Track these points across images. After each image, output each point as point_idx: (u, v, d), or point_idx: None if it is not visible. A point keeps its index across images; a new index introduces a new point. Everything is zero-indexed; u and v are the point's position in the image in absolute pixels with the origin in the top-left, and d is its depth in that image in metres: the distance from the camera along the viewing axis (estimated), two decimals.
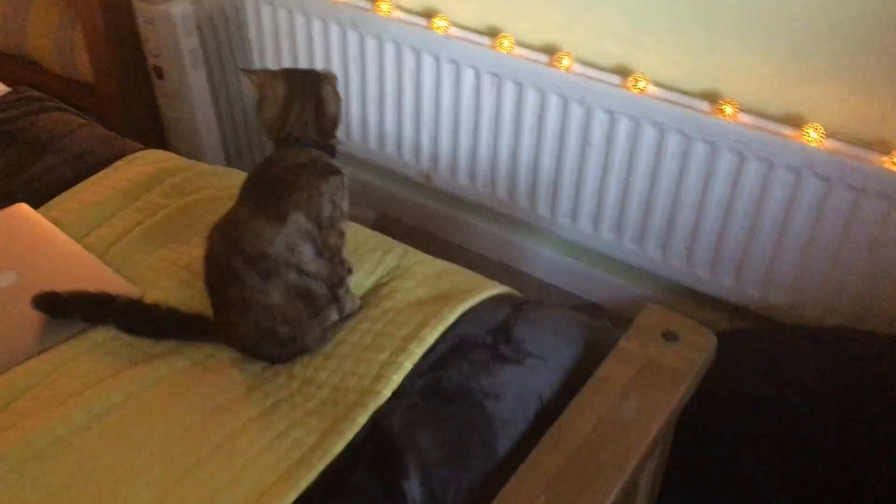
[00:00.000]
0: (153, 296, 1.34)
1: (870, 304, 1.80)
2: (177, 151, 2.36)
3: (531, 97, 2.00)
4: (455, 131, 2.18)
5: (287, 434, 1.11)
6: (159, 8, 2.05)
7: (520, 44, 2.02)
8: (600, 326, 1.36)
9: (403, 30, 2.10)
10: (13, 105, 1.79)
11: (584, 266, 2.27)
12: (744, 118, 1.79)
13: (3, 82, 2.43)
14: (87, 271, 1.37)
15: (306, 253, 1.23)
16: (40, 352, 1.23)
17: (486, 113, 2.10)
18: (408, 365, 1.19)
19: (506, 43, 2.00)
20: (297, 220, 1.23)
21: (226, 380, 1.20)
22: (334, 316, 1.28)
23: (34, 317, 1.26)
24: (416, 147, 2.28)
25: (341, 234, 1.28)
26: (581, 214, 2.09)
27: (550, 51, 1.99)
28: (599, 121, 1.94)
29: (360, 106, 2.31)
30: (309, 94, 1.29)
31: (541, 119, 2.02)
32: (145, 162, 1.63)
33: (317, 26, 2.24)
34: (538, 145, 2.06)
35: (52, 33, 2.33)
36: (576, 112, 1.95)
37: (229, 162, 2.41)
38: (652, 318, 1.28)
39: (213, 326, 1.26)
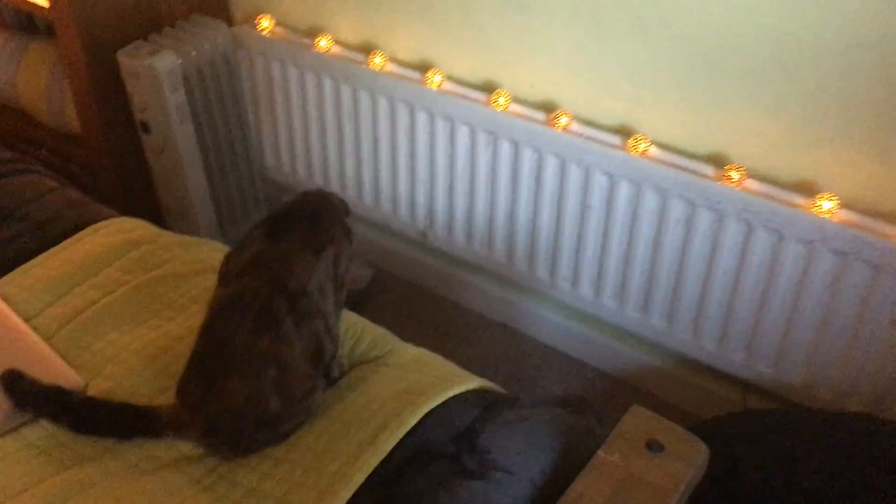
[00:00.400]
0: (98, 386, 1.25)
1: (892, 387, 1.65)
2: (166, 206, 2.29)
3: (528, 157, 1.89)
4: (451, 189, 2.08)
5: None
6: (143, 63, 1.98)
7: (517, 100, 1.92)
8: (582, 428, 1.23)
9: (396, 84, 2.01)
10: None
11: (588, 331, 2.14)
12: (751, 185, 1.66)
13: None
14: (31, 356, 1.28)
15: (328, 301, 1.20)
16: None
17: (481, 171, 2.00)
18: (359, 478, 1.07)
19: (501, 100, 1.89)
20: (328, 258, 1.22)
21: (161, 487, 1.10)
22: (317, 401, 1.19)
23: None
24: (412, 204, 2.18)
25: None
26: (581, 280, 1.97)
27: (548, 108, 1.88)
28: (599, 183, 1.82)
29: (355, 161, 2.22)
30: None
31: (538, 180, 1.91)
32: (109, 232, 1.55)
33: (310, 79, 2.16)
34: (536, 207, 1.95)
35: (42, 85, 2.28)
36: (574, 174, 1.84)
37: (220, 217, 2.33)
38: (636, 425, 1.15)
39: (165, 415, 1.16)
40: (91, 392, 1.24)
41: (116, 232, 1.56)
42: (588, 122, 1.84)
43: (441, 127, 1.99)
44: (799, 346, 1.72)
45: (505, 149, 1.92)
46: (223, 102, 2.21)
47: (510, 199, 1.98)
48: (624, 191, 1.79)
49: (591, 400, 2.00)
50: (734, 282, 1.74)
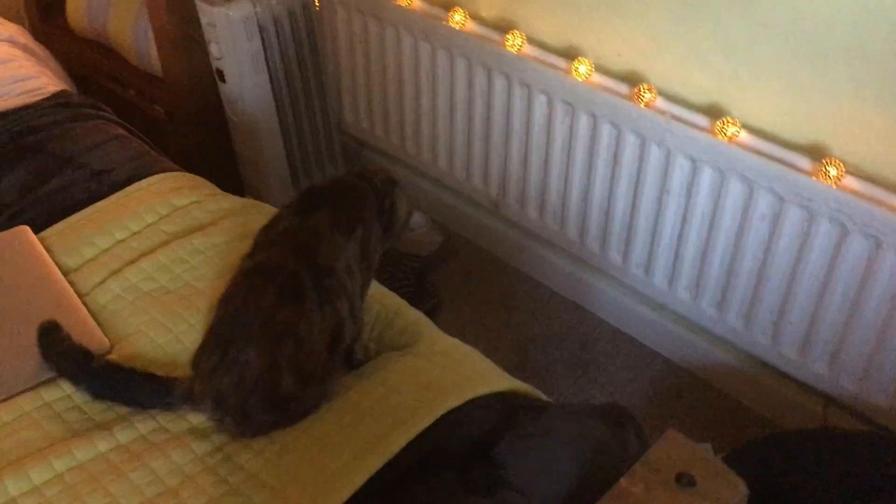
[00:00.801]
0: (122, 350, 1.23)
1: None
2: (240, 155, 2.28)
3: (606, 132, 1.76)
4: (525, 160, 1.96)
5: None
6: (220, 10, 1.94)
7: (600, 69, 1.77)
8: (615, 445, 1.13)
9: (475, 44, 1.90)
10: (49, 111, 1.73)
11: (662, 319, 2.00)
12: (850, 182, 1.48)
13: (84, 68, 2.42)
14: (63, 312, 1.27)
15: (356, 283, 1.18)
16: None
17: (557, 144, 1.87)
18: (359, 480, 1.01)
19: (583, 69, 1.75)
20: (357, 238, 1.19)
21: (165, 464, 1.07)
22: (333, 387, 1.14)
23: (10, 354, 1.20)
24: (485, 172, 2.08)
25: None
26: (655, 267, 1.83)
27: (632, 80, 1.73)
28: (680, 167, 1.67)
29: (431, 122, 2.13)
30: None
31: (615, 158, 1.77)
32: (160, 189, 1.52)
33: (390, 34, 2.07)
34: (612, 186, 1.81)
35: (130, 26, 2.28)
36: (654, 154, 1.69)
37: (293, 169, 2.29)
38: (668, 453, 1.04)
39: (181, 387, 1.12)
40: (115, 355, 1.22)
41: (167, 189, 1.53)
42: (674, 99, 1.69)
43: (518, 93, 1.87)
44: (891, 364, 1.54)
45: (583, 122, 1.78)
46: (301, 54, 2.15)
47: (585, 175, 1.85)
48: (707, 178, 1.63)
49: (637, 407, 1.90)
50: (822, 287, 1.57)
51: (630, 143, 1.72)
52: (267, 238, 1.19)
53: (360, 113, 2.30)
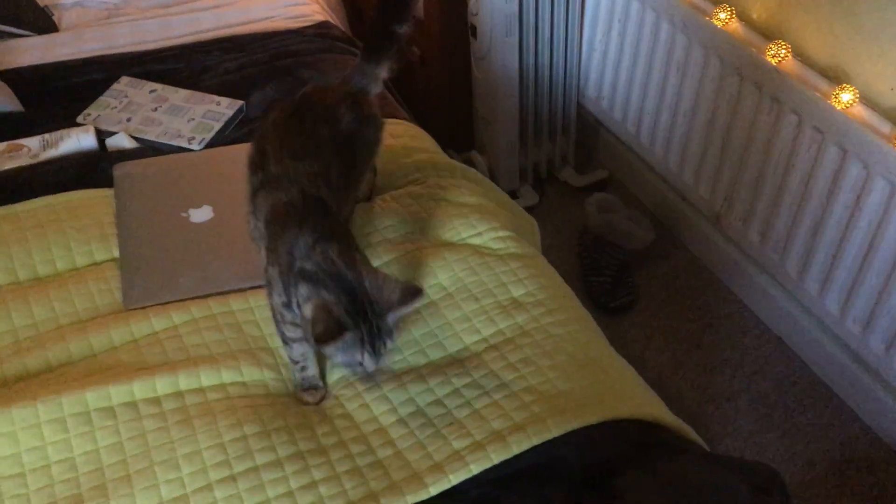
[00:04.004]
0: None
1: None
2: (476, 110, 2.31)
3: (854, 172, 1.59)
4: (758, 179, 1.83)
5: (313, 488, 1.02)
6: None
7: (865, 100, 1.60)
8: None
9: (733, 47, 1.77)
10: (308, 39, 1.85)
11: (871, 382, 1.80)
12: None
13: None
14: None
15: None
16: (237, 290, 1.28)
17: (797, 171, 1.72)
18: (474, 469, 1.02)
19: (845, 97, 1.58)
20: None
21: (291, 407, 1.14)
22: None
23: (229, 254, 1.32)
24: (714, 181, 1.96)
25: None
26: (876, 326, 1.65)
27: None
28: None
29: (670, 117, 2.03)
30: None
31: (858, 200, 1.60)
32: (384, 135, 1.58)
33: (649, 18, 1.99)
34: (846, 231, 1.65)
35: None
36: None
37: (523, 133, 2.28)
38: None
39: None
40: None
41: (388, 135, 1.57)
42: None
43: (767, 108, 1.74)
44: None
45: (831, 154, 1.62)
46: (554, 23, 2.13)
47: (820, 210, 1.69)
48: None
49: (815, 467, 1.74)
50: None
51: (879, 188, 1.54)
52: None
53: (602, 91, 2.25)
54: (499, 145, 2.29)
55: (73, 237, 1.35)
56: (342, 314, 0.98)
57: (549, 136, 2.36)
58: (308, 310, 1.00)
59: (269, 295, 1.11)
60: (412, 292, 1.01)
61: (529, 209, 2.28)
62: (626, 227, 2.17)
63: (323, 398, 1.16)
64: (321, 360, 1.18)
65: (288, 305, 1.06)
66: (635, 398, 1.15)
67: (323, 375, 1.18)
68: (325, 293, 0.99)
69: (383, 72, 1.28)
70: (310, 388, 1.15)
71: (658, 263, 2.24)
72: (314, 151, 1.14)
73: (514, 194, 2.37)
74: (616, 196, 2.29)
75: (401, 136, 1.60)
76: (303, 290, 1.01)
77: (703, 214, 2.08)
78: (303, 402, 1.15)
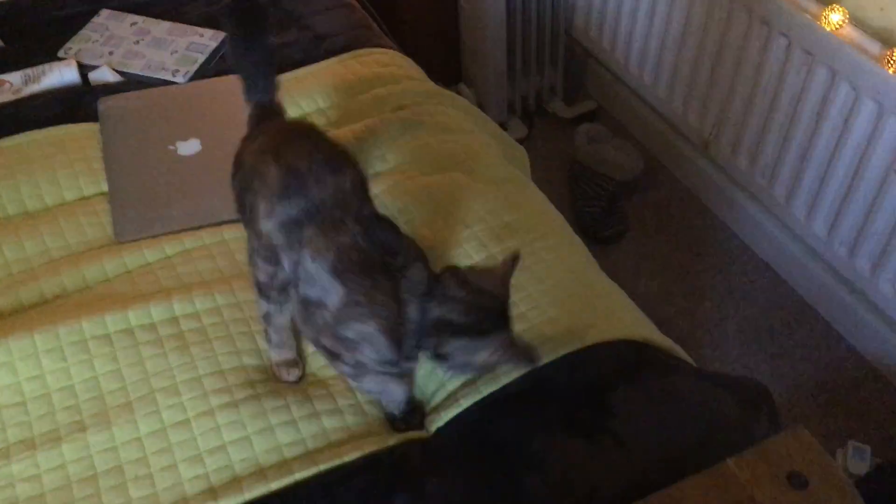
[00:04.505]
0: None
1: None
2: (464, 42, 2.29)
3: (843, 93, 1.59)
4: (747, 103, 1.82)
5: (316, 418, 1.04)
6: None
7: (854, 21, 1.59)
8: (738, 422, 1.07)
9: None
10: None
11: (856, 302, 1.83)
12: None
13: None
14: None
15: None
16: (229, 221, 1.26)
17: (786, 94, 1.72)
18: (464, 403, 1.04)
19: (835, 17, 1.58)
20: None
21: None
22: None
23: (220, 185, 1.26)
24: (704, 107, 1.96)
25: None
26: (862, 250, 1.67)
27: (888, 41, 1.54)
28: None
29: (660, 44, 2.02)
30: None
31: (847, 123, 1.60)
32: (369, 62, 1.57)
33: None
34: (835, 153, 1.65)
35: None
36: (892, 128, 1.51)
37: (511, 64, 2.26)
38: (787, 448, 0.98)
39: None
40: None
41: (375, 63, 1.58)
42: None
43: (757, 31, 1.73)
44: None
45: (820, 76, 1.62)
46: None
47: (808, 134, 1.70)
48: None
49: (803, 388, 1.77)
50: None
51: (867, 110, 1.55)
52: None
53: (591, 21, 2.23)
54: (487, 77, 2.27)
55: (60, 172, 1.34)
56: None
57: (538, 68, 2.34)
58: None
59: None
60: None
61: (519, 142, 2.25)
62: (616, 157, 2.17)
63: None
64: None
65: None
66: (626, 321, 1.17)
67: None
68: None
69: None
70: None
71: (648, 193, 2.24)
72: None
73: (502, 127, 2.32)
74: (605, 127, 2.28)
75: (388, 64, 1.58)
76: (456, 343, 0.89)
77: (692, 142, 2.08)
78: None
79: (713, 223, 2.16)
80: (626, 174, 2.18)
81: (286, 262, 0.94)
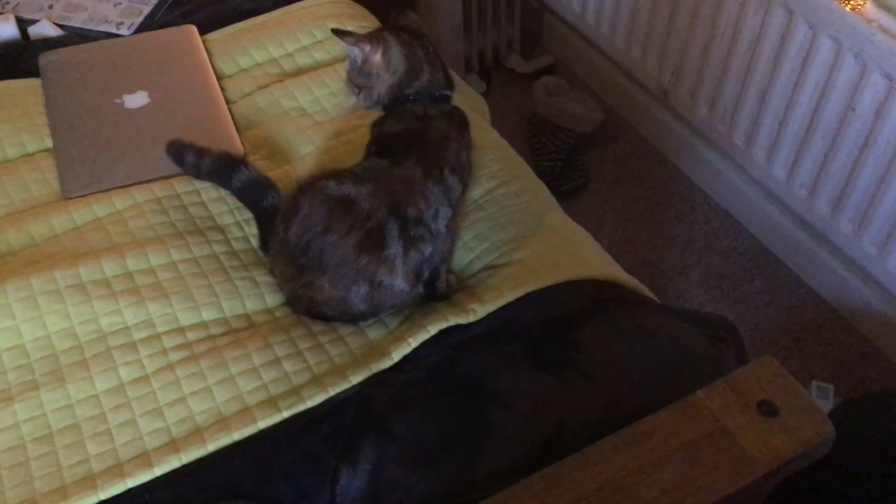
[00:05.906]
0: (254, 163, 1.27)
1: None
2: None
3: (801, 32, 1.59)
4: (706, 49, 1.82)
5: (277, 364, 1.01)
6: None
7: None
8: (707, 357, 1.07)
9: None
10: None
11: (816, 246, 1.85)
12: None
13: None
14: (210, 114, 1.33)
15: (442, 219, 1.06)
16: (180, 174, 1.22)
17: (744, 37, 1.72)
18: (432, 330, 1.02)
19: None
20: (447, 178, 1.07)
21: (247, 283, 1.12)
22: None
23: (169, 138, 1.23)
24: (662, 56, 1.95)
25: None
26: (822, 191, 1.68)
27: None
28: (874, 86, 1.49)
29: None
30: (430, 52, 1.14)
31: (805, 62, 1.60)
32: (322, 13, 1.52)
33: None
34: (794, 95, 1.66)
35: None
36: (849, 66, 1.52)
37: (467, 19, 2.23)
38: (757, 377, 0.97)
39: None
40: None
41: (328, 14, 1.53)
42: (889, 8, 1.48)
43: None
44: None
45: (777, 17, 1.62)
46: None
47: (767, 77, 1.69)
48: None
49: (766, 332, 1.78)
50: None
51: (824, 48, 1.55)
52: (353, 171, 1.07)
53: None
54: (442, 34, 2.23)
55: (2, 128, 1.28)
56: None
57: (494, 23, 2.31)
58: None
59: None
60: None
61: None
62: (575, 109, 2.15)
63: None
64: None
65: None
66: (592, 261, 1.16)
67: None
68: None
69: None
70: None
71: (607, 145, 2.23)
72: None
73: None
74: (564, 80, 2.27)
75: (338, 15, 1.54)
76: None
77: (651, 92, 2.07)
78: None
79: (673, 173, 2.16)
80: (585, 126, 2.17)
81: None
